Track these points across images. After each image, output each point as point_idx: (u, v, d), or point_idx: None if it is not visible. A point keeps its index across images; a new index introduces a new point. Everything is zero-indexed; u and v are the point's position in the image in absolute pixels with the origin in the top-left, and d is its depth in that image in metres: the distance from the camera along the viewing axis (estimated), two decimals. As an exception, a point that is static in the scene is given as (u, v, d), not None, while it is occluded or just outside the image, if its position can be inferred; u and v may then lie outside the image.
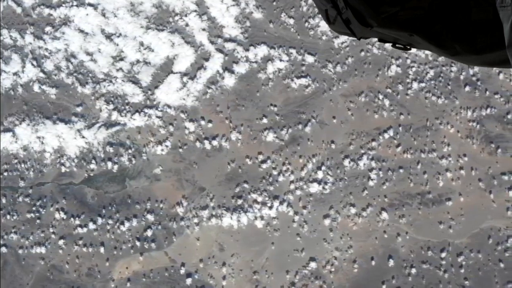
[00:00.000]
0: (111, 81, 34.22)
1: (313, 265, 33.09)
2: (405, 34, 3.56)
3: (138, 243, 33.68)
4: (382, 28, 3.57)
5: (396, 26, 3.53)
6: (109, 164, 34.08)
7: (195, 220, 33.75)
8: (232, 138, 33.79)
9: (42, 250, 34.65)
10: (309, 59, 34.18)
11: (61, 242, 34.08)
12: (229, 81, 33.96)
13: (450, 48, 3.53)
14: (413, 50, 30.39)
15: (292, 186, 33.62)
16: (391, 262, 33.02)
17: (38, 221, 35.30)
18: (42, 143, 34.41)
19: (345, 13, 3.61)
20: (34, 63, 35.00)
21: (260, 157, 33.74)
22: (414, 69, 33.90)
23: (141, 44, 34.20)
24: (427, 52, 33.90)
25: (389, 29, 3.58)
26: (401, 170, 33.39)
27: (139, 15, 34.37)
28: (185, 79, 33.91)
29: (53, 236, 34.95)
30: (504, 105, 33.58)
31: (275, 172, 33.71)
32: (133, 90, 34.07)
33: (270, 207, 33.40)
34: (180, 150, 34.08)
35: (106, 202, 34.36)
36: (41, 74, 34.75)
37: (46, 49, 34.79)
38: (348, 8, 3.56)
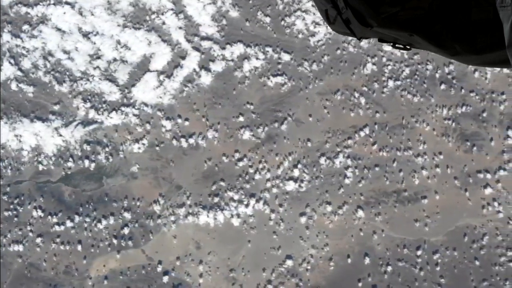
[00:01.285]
0: (88, 80, 33.34)
1: (289, 263, 32.32)
2: (405, 34, 3.50)
3: (115, 241, 32.83)
4: (382, 28, 3.49)
5: (396, 26, 3.47)
6: (86, 162, 33.23)
7: (172, 218, 32.75)
8: (208, 136, 32.93)
9: (20, 248, 33.40)
10: (285, 57, 33.31)
11: (38, 240, 33.05)
12: (206, 79, 33.11)
13: (450, 48, 3.47)
14: (389, 48, 30.17)
15: (268, 184, 32.79)
16: (367, 260, 32.25)
17: (15, 219, 34.47)
18: (20, 141, 33.36)
19: (345, 13, 3.56)
20: (12, 61, 33.84)
21: (237, 155, 32.92)
22: (389, 67, 33.06)
23: (118, 42, 33.34)
24: (403, 50, 33.72)
25: (389, 29, 3.51)
26: (377, 168, 32.60)
27: (116, 14, 33.38)
28: (161, 77, 33.09)
29: (30, 234, 34.01)
30: (480, 103, 32.70)
31: (251, 170, 32.87)
32: (110, 88, 33.23)
33: (247, 205, 32.70)
34: (157, 148, 33.15)
35: (84, 200, 33.17)
36: (19, 73, 33.77)
37: (24, 47, 33.79)
38: (348, 8, 3.50)
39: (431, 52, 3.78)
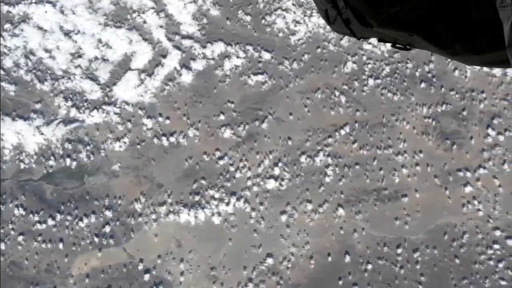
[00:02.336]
0: (69, 78, 32.56)
1: (270, 261, 31.63)
2: (405, 34, 3.45)
3: (96, 239, 32.12)
4: (382, 28, 3.45)
5: (396, 26, 3.42)
6: (68, 160, 32.50)
7: (153, 216, 32.00)
8: (189, 135, 32.18)
9: (2, 246, 32.06)
10: (266, 56, 32.54)
11: (20, 238, 32.26)
12: (187, 78, 32.34)
13: (450, 48, 3.43)
14: (369, 46, 30.01)
15: (249, 183, 32.06)
16: (348, 258, 31.56)
17: (-3, 217, 34.70)
18: (1, 139, 32.64)
19: (345, 13, 3.52)
20: (-7, 60, 34.75)
21: (218, 154, 32.15)
22: (370, 65, 32.23)
23: (99, 41, 32.57)
24: (383, 48, 33.37)
25: (389, 29, 3.47)
26: (357, 167, 31.81)
27: (97, 12, 32.53)
28: (143, 76, 32.37)
29: (12, 232, 32.71)
30: (460, 101, 31.93)
31: (232, 169, 32.09)
32: (91, 87, 32.48)
33: (227, 203, 31.98)
34: (138, 146, 32.36)
35: (65, 198, 32.38)
36: (0, 71, 33.21)
37: (5, 46, 32.95)
38: (348, 8, 3.47)
39: (431, 52, 3.70)
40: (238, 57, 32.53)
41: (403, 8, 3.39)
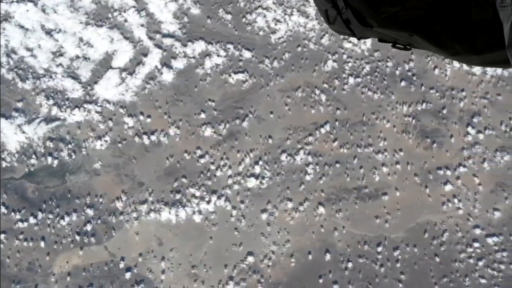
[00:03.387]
0: (51, 77, 31.94)
1: (250, 259, 31.10)
2: (405, 34, 3.41)
3: (78, 238, 31.51)
4: (382, 28, 3.41)
5: (396, 26, 3.39)
6: (49, 159, 31.93)
7: (134, 215, 31.27)
8: (170, 133, 31.57)
9: None
10: (247, 54, 31.88)
11: (2, 236, 31.60)
12: (168, 76, 31.69)
13: (450, 48, 3.40)
14: (349, 45, 29.82)
15: (230, 181, 31.39)
16: (328, 256, 30.95)
17: (-21, 215, 34.24)
18: None
19: (345, 13, 3.50)
20: (-25, 58, 34.32)
21: (198, 152, 31.50)
22: (350, 64, 31.52)
23: (81, 39, 31.90)
24: (363, 47, 33.15)
25: (389, 29, 3.43)
26: (337, 165, 31.14)
27: (79, 11, 31.84)
28: (124, 74, 31.71)
29: None
30: (440, 100, 31.23)
31: (213, 167, 31.40)
32: (72, 85, 31.84)
33: (208, 202, 31.37)
34: (119, 145, 31.70)
35: (47, 196, 31.73)
36: None
37: None
38: (348, 8, 3.44)
39: (431, 52, 3.61)
40: (218, 55, 32.22)
41: (403, 8, 3.35)
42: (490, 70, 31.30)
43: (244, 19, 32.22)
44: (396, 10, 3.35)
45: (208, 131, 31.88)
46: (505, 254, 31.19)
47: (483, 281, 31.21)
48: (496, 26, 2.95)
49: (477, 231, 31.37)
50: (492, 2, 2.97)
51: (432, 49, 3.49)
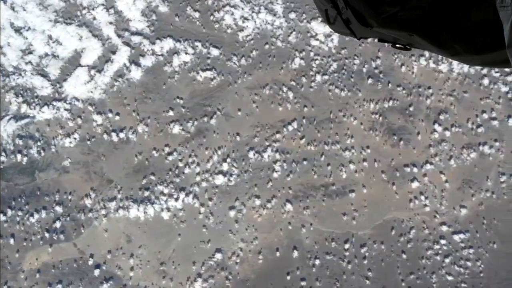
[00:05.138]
0: (20, 74, 31.71)
1: (219, 256, 30.82)
2: (405, 34, 3.36)
3: (47, 235, 31.28)
4: (382, 28, 3.36)
5: (396, 26, 3.34)
6: (19, 156, 31.67)
7: (103, 212, 31.02)
8: (139, 131, 31.21)
9: None
10: (214, 52, 31.50)
11: None
12: (136, 74, 31.40)
13: (450, 48, 3.35)
14: (316, 43, 29.61)
15: (198, 178, 31.07)
16: (296, 253, 30.67)
17: (-51, 213, 33.90)
18: None
19: (345, 13, 3.45)
20: None
21: (167, 149, 31.20)
22: (317, 62, 31.19)
23: (50, 37, 31.64)
24: (330, 44, 32.93)
25: (389, 29, 3.39)
26: (305, 162, 30.83)
27: (48, 9, 31.56)
28: (92, 72, 31.40)
29: None
30: (406, 97, 30.90)
31: (181, 164, 31.08)
32: (42, 83, 31.58)
33: (176, 199, 31.06)
34: (88, 142, 31.39)
35: (16, 194, 31.50)
36: None
37: None
38: (348, 8, 3.39)
39: (431, 52, 3.58)
40: (187, 53, 31.97)
41: (403, 8, 3.30)
42: (456, 68, 31.11)
43: (212, 17, 32.00)
44: (396, 10, 3.31)
45: (176, 129, 31.67)
46: (471, 251, 30.98)
47: (449, 278, 31.03)
48: (496, 26, 2.90)
49: (444, 228, 31.16)
50: (492, 2, 2.92)
51: (432, 49, 3.46)
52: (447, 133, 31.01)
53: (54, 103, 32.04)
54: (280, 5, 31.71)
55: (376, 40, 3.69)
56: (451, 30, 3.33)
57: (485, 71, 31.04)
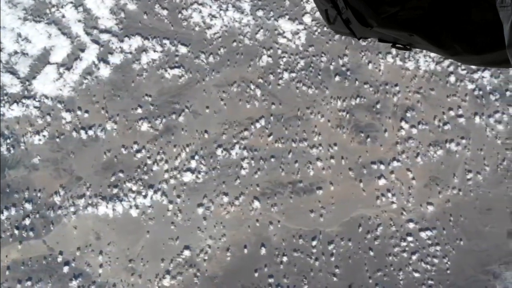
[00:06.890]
0: None
1: (187, 253, 30.67)
2: (405, 34, 3.34)
3: (16, 232, 31.26)
4: (382, 28, 3.34)
5: (396, 26, 3.32)
6: None
7: (72, 209, 30.83)
8: (108, 128, 31.10)
9: None
10: (183, 49, 31.35)
11: None
12: (105, 71, 31.22)
13: (450, 48, 3.33)
14: (284, 40, 29.43)
15: (166, 175, 30.97)
16: (263, 250, 30.55)
17: None
18: None
19: (345, 13, 3.43)
20: None
21: (135, 147, 31.07)
22: (285, 59, 31.01)
23: (19, 35, 31.53)
24: (298, 42, 32.73)
25: (389, 29, 3.36)
26: (272, 159, 30.70)
27: (17, 7, 31.47)
28: (61, 69, 31.27)
29: None
30: (374, 95, 30.71)
31: (149, 162, 30.90)
32: (11, 80, 31.52)
33: (145, 196, 30.92)
34: (57, 140, 31.21)
35: None
36: None
37: None
38: (348, 8, 3.37)
39: (431, 52, 3.51)
40: (155, 51, 31.81)
41: (403, 8, 3.27)
42: (423, 65, 30.95)
43: (180, 15, 31.83)
44: (396, 10, 3.28)
45: (145, 126, 31.51)
46: (438, 248, 30.84)
47: (416, 275, 30.88)
48: (496, 26, 2.87)
49: (411, 225, 31.00)
50: (492, 2, 2.89)
51: (432, 49, 3.42)
52: (414, 131, 30.84)
53: (24, 100, 31.86)
54: (247, 3, 31.55)
55: (376, 40, 3.64)
56: (451, 30, 3.29)
57: (451, 68, 30.91)
